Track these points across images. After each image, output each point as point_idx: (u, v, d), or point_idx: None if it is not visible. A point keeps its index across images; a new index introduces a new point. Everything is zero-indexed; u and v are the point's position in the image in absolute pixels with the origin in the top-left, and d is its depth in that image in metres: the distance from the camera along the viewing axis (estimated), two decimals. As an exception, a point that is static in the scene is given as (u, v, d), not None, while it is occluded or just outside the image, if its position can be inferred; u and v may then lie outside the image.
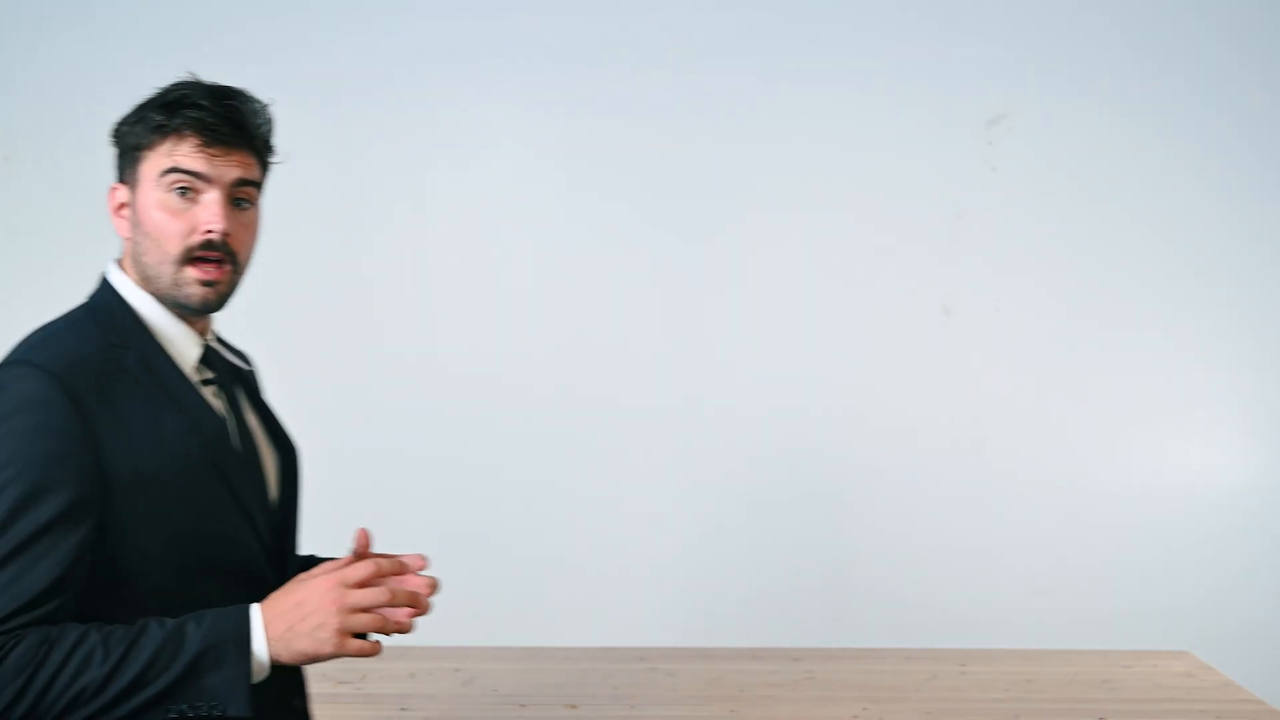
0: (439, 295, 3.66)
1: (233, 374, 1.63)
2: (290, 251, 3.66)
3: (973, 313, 3.62)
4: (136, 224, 1.50)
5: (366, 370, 3.65)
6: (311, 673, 2.92)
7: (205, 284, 1.48)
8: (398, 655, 3.12)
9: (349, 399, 3.64)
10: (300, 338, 3.65)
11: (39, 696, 1.32)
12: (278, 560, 1.57)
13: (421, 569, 1.50)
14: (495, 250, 3.66)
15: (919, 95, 3.59)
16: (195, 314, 1.52)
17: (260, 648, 1.38)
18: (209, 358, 1.56)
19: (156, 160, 1.48)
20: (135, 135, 1.50)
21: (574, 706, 2.56)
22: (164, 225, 1.47)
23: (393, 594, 1.39)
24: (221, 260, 1.48)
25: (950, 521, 3.62)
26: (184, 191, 1.47)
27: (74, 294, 3.42)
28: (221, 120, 1.47)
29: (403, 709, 2.64)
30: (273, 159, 1.59)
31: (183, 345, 1.53)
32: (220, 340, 1.65)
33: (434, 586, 1.49)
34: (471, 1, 3.62)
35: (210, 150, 1.47)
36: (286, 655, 1.38)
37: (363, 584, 1.40)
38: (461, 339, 3.63)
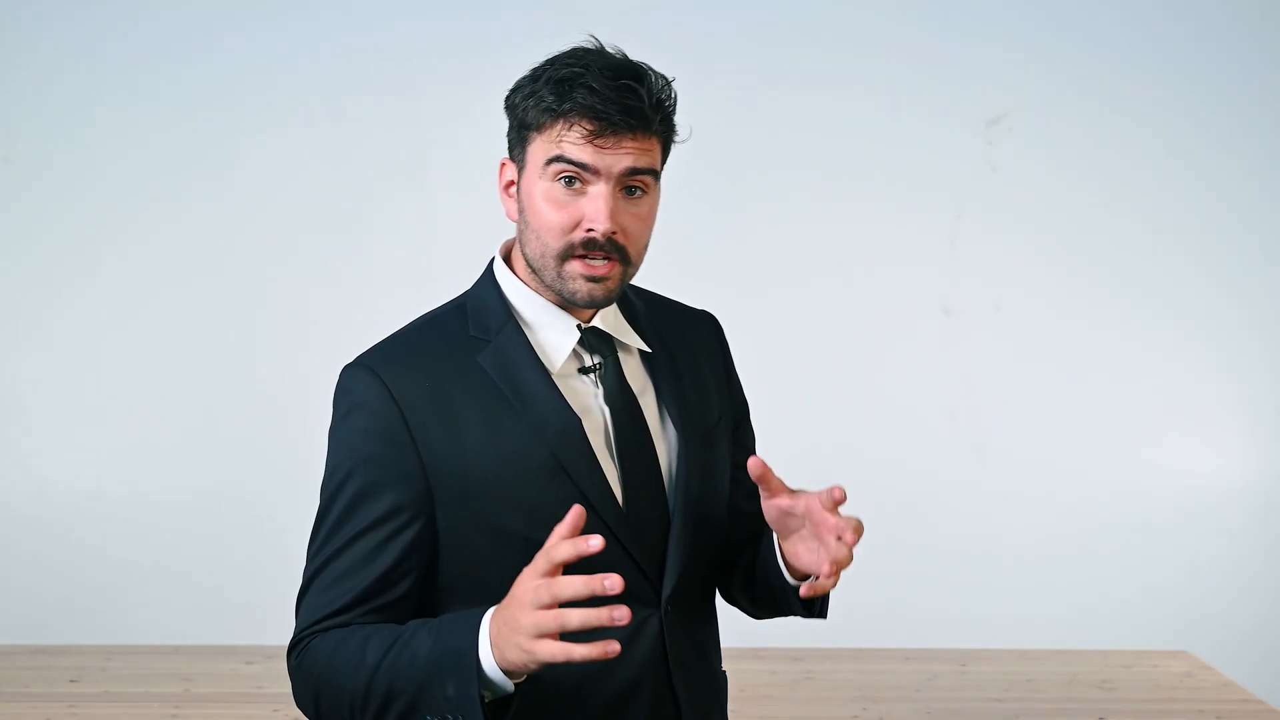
0: (439, 292, 3.65)
1: (617, 356, 1.45)
2: (290, 250, 3.66)
3: (973, 313, 3.62)
4: (522, 210, 1.39)
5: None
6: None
7: (592, 280, 1.35)
8: (398, 655, 3.11)
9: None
10: (300, 336, 3.65)
11: (324, 702, 1.34)
12: (654, 555, 1.39)
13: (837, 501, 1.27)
14: (494, 245, 3.66)
15: (919, 95, 3.59)
16: (582, 308, 1.41)
17: (486, 655, 1.22)
18: (592, 343, 1.43)
19: (544, 145, 1.34)
20: (526, 111, 1.36)
21: (574, 706, 2.56)
22: (548, 217, 1.35)
23: (556, 587, 1.15)
24: (608, 256, 1.35)
25: (950, 521, 3.62)
26: (570, 181, 1.34)
27: (73, 293, 3.45)
28: (612, 105, 1.31)
29: (403, 709, 2.64)
30: (676, 139, 1.43)
31: (554, 336, 1.41)
32: (642, 311, 1.53)
33: (844, 531, 1.28)
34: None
35: (599, 141, 1.32)
36: (505, 664, 1.21)
37: (547, 574, 1.18)
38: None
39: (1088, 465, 3.60)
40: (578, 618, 1.15)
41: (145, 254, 3.64)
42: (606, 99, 1.31)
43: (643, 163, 1.36)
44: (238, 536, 3.61)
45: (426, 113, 3.63)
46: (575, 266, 1.35)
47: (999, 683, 2.78)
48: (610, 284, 1.37)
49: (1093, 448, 3.61)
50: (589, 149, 1.32)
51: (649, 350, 1.49)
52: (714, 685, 1.52)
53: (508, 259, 1.48)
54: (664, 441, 1.45)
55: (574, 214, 1.34)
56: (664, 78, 1.38)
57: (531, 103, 1.35)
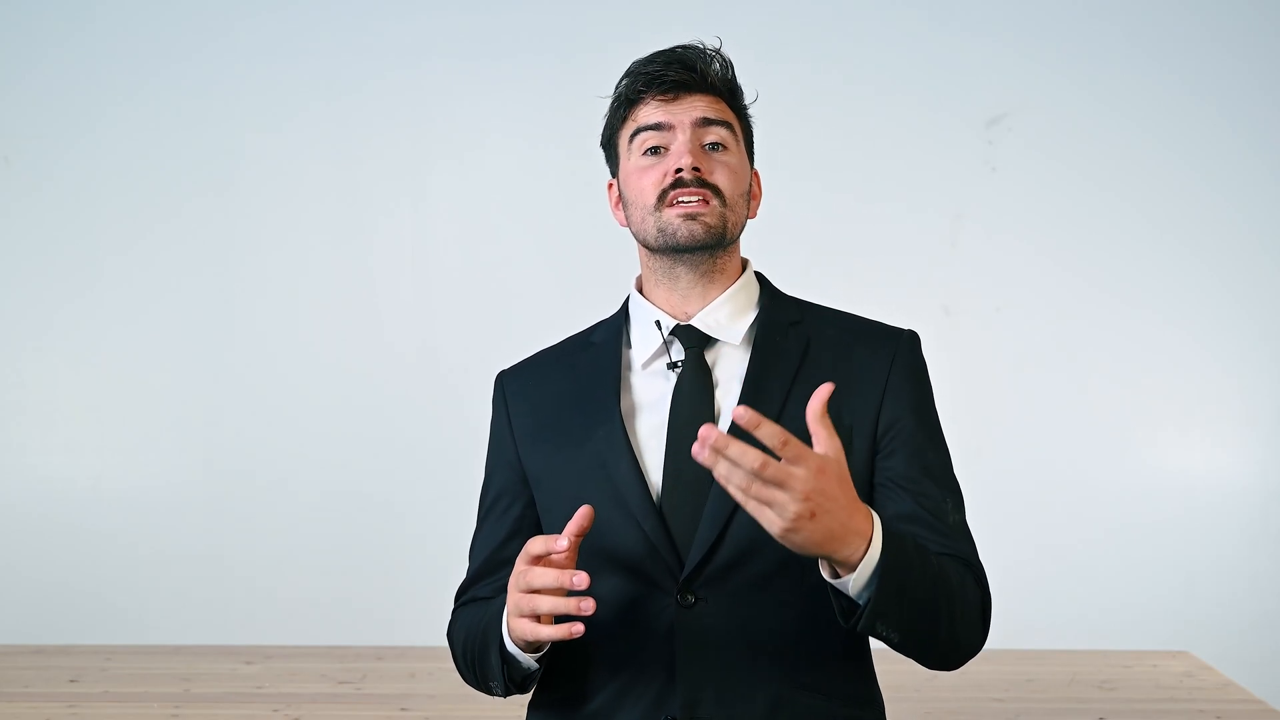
0: (439, 289, 3.66)
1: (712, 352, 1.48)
2: (291, 249, 3.67)
3: (973, 313, 3.62)
4: (624, 199, 1.51)
5: (367, 366, 3.64)
6: (311, 672, 2.93)
7: (689, 217, 1.44)
8: (398, 655, 3.12)
9: (350, 396, 3.63)
10: (301, 336, 3.65)
11: (458, 663, 1.53)
12: (686, 547, 1.40)
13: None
14: (495, 245, 3.66)
15: (919, 95, 3.59)
16: (688, 252, 1.46)
17: (505, 629, 1.37)
18: (688, 340, 1.47)
19: (625, 134, 1.50)
20: (608, 126, 1.53)
21: (574, 706, 2.56)
22: (639, 182, 1.47)
23: (530, 575, 1.29)
24: (700, 194, 1.43)
25: (950, 521, 3.61)
26: (655, 150, 1.47)
27: (71, 294, 3.43)
28: (668, 68, 1.46)
29: (403, 709, 2.65)
30: (745, 101, 1.54)
31: (645, 333, 1.51)
32: (793, 319, 1.59)
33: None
34: None
35: (663, 98, 1.46)
36: (513, 638, 1.35)
37: (533, 561, 1.30)
38: (461, 334, 3.63)
39: (1088, 465, 3.60)
40: (547, 603, 1.28)
41: (146, 252, 3.64)
42: (661, 64, 1.47)
43: (714, 114, 1.46)
44: (238, 537, 3.61)
45: (427, 109, 3.63)
46: (671, 211, 1.44)
47: (999, 683, 2.78)
48: (709, 219, 1.44)
49: (1093, 448, 3.61)
50: (659, 109, 1.46)
51: (737, 345, 1.51)
52: (765, 705, 1.41)
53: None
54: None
55: (661, 169, 1.45)
56: (713, 48, 1.51)
57: (611, 110, 1.52)
